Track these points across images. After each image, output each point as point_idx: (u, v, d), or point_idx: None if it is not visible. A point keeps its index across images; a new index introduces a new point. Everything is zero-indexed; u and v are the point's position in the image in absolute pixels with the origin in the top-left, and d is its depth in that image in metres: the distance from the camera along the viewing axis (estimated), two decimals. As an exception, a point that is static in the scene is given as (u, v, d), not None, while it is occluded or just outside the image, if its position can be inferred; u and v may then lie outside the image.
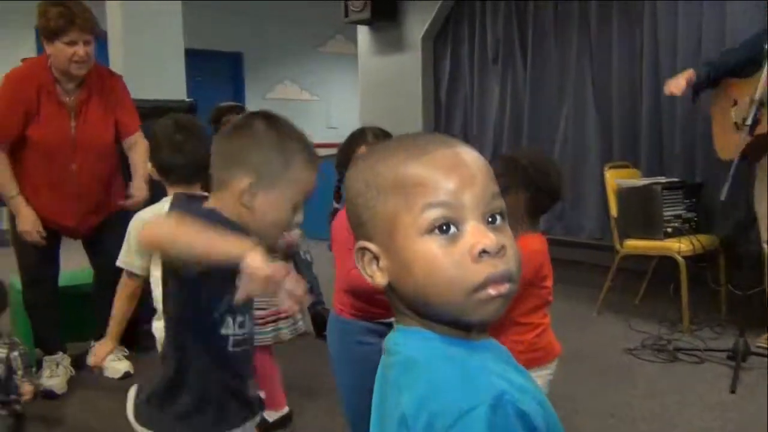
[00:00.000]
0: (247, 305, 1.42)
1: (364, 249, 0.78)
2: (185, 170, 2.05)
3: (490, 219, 0.75)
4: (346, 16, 6.46)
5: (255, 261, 1.13)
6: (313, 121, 10.32)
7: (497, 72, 5.70)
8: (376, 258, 0.77)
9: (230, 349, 1.39)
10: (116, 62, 3.86)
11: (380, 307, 1.88)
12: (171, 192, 2.08)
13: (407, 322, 0.78)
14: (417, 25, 6.19)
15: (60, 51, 2.83)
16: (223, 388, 1.41)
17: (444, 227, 0.73)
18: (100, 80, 3.04)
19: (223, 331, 1.37)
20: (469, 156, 0.77)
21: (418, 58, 6.19)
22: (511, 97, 5.59)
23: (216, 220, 1.26)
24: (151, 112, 3.61)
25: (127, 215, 3.14)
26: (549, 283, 1.95)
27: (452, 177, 0.73)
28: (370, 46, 6.70)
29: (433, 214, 0.72)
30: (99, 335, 3.25)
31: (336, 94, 10.30)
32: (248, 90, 9.87)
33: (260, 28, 9.60)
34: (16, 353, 2.69)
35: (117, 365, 3.21)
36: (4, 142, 2.88)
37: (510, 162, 1.97)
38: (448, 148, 0.76)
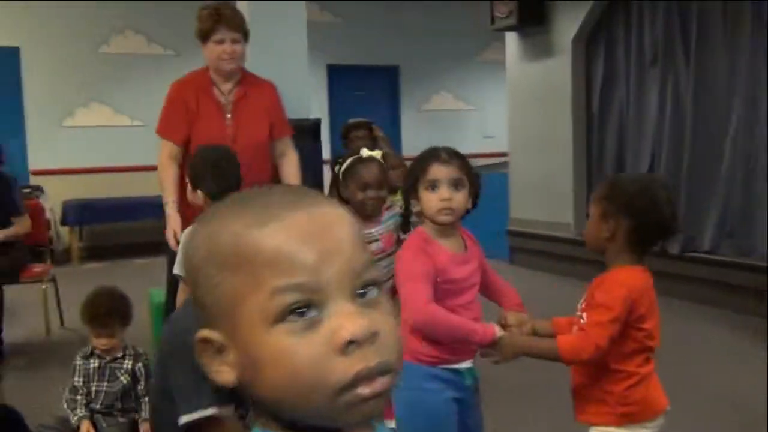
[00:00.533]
0: None
1: (205, 340, 0.61)
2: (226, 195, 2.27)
3: (360, 292, 0.59)
4: (493, 23, 6.27)
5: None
6: (469, 131, 10.19)
7: (656, 75, 5.22)
8: (221, 350, 0.61)
9: None
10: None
11: (447, 352, 1.78)
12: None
13: (265, 425, 0.62)
14: (567, 27, 5.85)
15: (211, 50, 2.99)
16: None
17: (300, 310, 0.57)
18: (254, 83, 3.15)
19: None
20: (332, 218, 0.60)
21: (567, 63, 5.85)
22: (672, 102, 5.09)
23: None
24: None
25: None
26: (649, 325, 1.68)
27: (310, 249, 0.57)
28: (519, 52, 6.44)
29: (287, 300, 0.57)
30: None
31: (492, 102, 10.07)
32: (404, 102, 9.93)
33: (416, 40, 9.62)
34: (140, 364, 2.82)
35: None
36: (173, 141, 3.03)
37: (614, 186, 1.75)
38: (303, 210, 0.60)
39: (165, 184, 3.03)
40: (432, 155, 1.81)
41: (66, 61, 7.45)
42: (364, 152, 2.68)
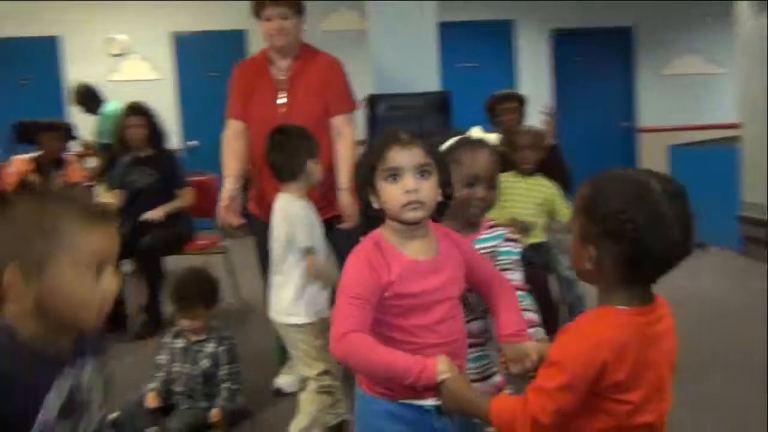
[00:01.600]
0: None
1: None
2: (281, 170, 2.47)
3: None
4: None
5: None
6: (719, 98, 8.81)
7: None
8: None
9: None
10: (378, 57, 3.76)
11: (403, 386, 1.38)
12: None
13: None
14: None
15: (263, 28, 2.94)
16: None
17: None
18: (313, 59, 3.02)
19: None
20: None
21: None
22: None
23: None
24: (406, 104, 3.46)
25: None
26: (635, 396, 1.17)
27: None
28: (751, 3, 5.34)
29: None
30: None
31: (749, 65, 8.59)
32: (639, 67, 8.91)
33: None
34: (223, 348, 2.83)
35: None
36: (233, 119, 3.03)
37: (596, 194, 1.22)
38: None
39: (225, 160, 3.00)
40: (390, 138, 1.44)
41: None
42: (475, 132, 1.86)
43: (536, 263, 3.24)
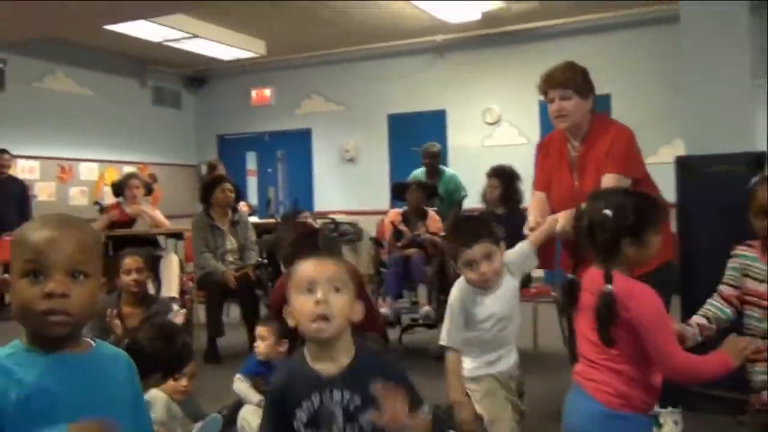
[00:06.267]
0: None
1: None
2: None
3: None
4: None
5: None
6: None
7: None
8: None
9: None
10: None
11: (655, 395, 1.85)
12: None
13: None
14: None
15: (549, 110, 3.04)
16: None
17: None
18: (604, 133, 2.98)
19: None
20: None
21: None
22: None
23: None
24: (718, 165, 3.38)
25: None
26: None
27: None
28: None
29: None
30: None
31: None
32: None
33: None
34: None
35: None
36: (537, 190, 3.22)
37: None
38: None
39: (529, 217, 3.06)
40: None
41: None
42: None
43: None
